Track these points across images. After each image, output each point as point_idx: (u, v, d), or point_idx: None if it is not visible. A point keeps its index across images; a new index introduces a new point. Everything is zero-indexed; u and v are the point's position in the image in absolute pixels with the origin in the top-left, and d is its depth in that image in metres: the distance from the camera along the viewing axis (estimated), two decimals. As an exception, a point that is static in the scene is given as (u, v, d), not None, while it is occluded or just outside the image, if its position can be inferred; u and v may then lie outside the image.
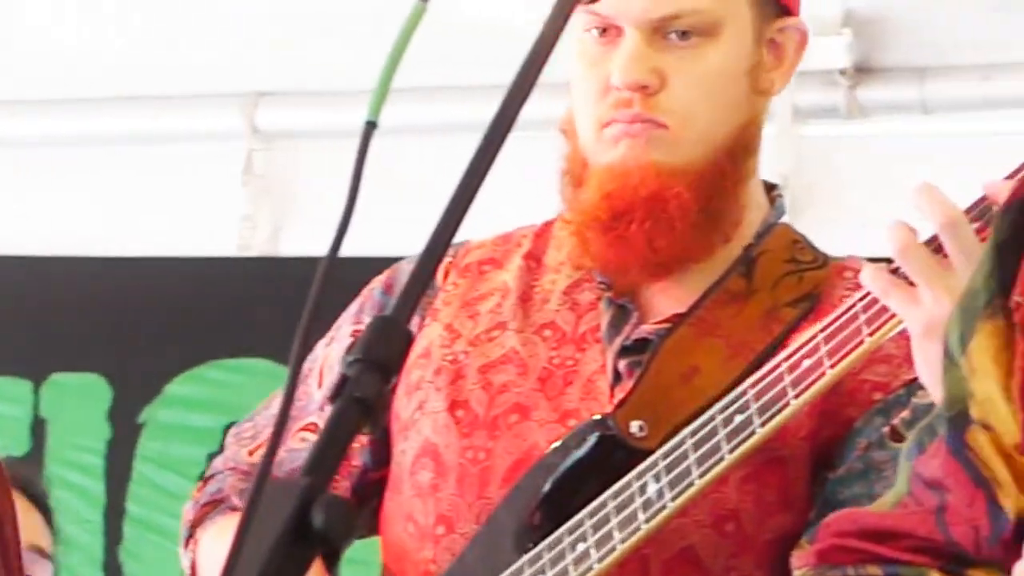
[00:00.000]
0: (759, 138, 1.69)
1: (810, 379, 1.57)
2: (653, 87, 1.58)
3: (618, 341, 1.61)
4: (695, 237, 1.64)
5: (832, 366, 1.56)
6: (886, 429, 1.67)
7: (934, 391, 1.51)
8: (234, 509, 1.69)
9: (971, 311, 1.33)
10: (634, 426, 1.59)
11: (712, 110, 1.64)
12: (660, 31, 1.58)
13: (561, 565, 1.57)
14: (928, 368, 1.55)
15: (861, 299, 1.53)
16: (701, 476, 1.55)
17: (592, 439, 1.58)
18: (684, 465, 1.57)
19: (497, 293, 1.68)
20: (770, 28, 1.64)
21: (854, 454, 1.67)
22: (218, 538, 1.67)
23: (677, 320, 1.59)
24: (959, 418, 1.33)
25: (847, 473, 1.69)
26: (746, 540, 1.61)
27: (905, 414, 1.67)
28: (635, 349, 1.63)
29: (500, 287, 1.68)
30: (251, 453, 1.73)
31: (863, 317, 1.56)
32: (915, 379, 1.59)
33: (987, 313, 1.32)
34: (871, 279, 1.48)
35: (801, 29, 1.65)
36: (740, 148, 1.66)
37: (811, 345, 1.57)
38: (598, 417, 1.60)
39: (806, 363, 1.57)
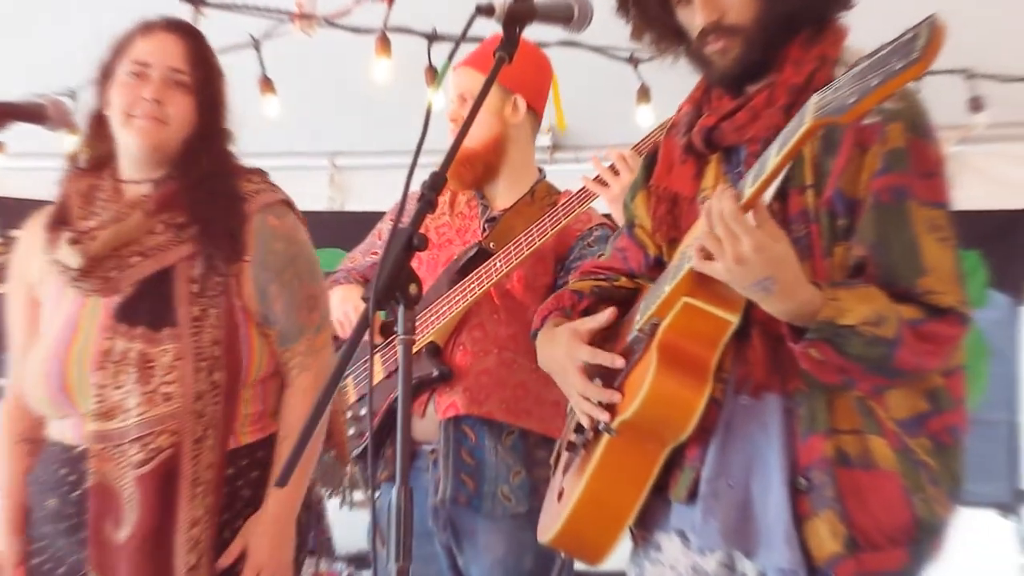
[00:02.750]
0: (511, 141, 3.25)
1: (554, 223, 3.06)
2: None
3: (485, 215, 3.30)
4: (475, 177, 3.26)
5: (564, 216, 3.06)
6: (592, 238, 3.16)
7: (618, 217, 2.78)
8: (347, 280, 3.35)
9: (635, 186, 2.28)
10: (490, 245, 3.20)
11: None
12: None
13: (468, 288, 3.16)
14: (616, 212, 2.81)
15: (575, 195, 3.08)
16: (508, 265, 3.10)
17: (474, 249, 3.23)
18: (505, 259, 3.11)
19: (445, 203, 3.39)
20: (507, 97, 3.21)
21: (576, 252, 3.16)
22: (342, 289, 3.29)
23: (506, 210, 3.30)
24: (628, 223, 2.29)
25: (578, 256, 3.14)
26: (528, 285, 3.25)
27: (597, 234, 3.16)
28: (490, 220, 3.27)
29: (445, 202, 3.39)
30: (352, 260, 3.41)
31: (576, 201, 3.09)
32: (600, 223, 3.16)
33: (642, 187, 2.26)
34: (590, 180, 2.98)
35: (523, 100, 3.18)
36: (496, 144, 3.22)
37: (554, 212, 3.08)
38: (476, 243, 3.24)
39: (552, 219, 3.07)
